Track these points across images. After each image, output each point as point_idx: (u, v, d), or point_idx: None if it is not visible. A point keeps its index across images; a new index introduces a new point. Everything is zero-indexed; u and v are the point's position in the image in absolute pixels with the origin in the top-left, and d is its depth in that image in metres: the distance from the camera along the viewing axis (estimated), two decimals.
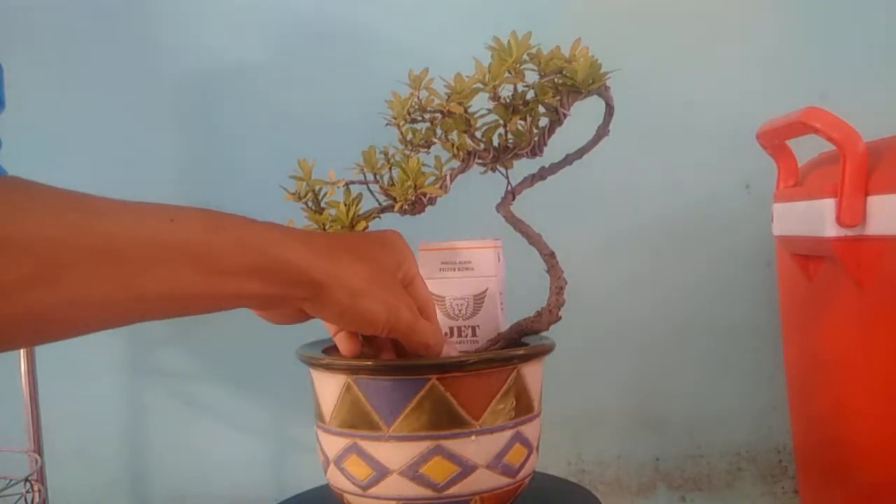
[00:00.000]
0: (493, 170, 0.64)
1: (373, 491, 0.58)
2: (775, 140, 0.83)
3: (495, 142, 0.63)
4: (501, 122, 0.62)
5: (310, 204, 0.63)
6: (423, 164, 0.61)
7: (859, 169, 0.68)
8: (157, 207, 0.41)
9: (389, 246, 0.54)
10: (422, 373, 0.57)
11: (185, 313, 0.42)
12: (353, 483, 0.59)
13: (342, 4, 1.07)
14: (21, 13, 1.06)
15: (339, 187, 0.63)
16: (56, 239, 0.35)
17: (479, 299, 0.66)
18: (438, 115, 0.61)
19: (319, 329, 0.71)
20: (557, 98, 0.60)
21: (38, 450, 0.90)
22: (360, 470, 0.58)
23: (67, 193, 0.37)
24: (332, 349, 0.67)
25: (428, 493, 0.57)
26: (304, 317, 0.53)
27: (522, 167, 0.65)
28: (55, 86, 1.06)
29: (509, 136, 0.62)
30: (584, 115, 0.62)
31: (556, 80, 0.60)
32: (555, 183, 0.65)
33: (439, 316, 0.66)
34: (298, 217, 0.64)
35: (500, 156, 0.63)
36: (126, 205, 0.40)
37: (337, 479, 0.61)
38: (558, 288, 0.63)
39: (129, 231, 0.38)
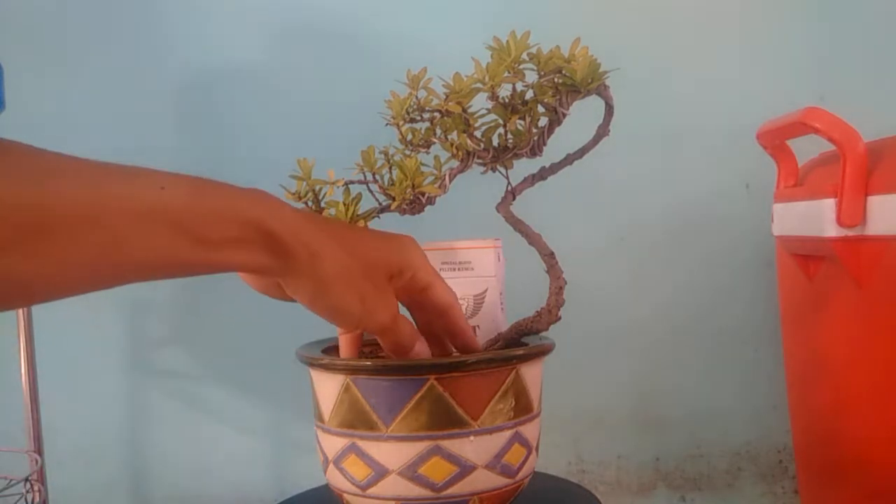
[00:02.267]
0: (493, 170, 0.64)
1: (372, 491, 0.58)
2: (775, 140, 0.83)
3: (495, 142, 0.63)
4: (501, 121, 0.62)
5: (310, 203, 0.63)
6: (423, 164, 0.61)
7: (859, 169, 0.68)
8: (146, 174, 0.40)
9: (395, 248, 0.52)
10: (420, 373, 0.57)
11: (167, 277, 0.42)
12: (353, 483, 0.59)
13: (343, 4, 1.07)
14: (21, 13, 1.06)
15: (338, 187, 0.63)
16: (38, 206, 0.34)
17: (479, 299, 0.66)
18: (437, 115, 0.61)
19: (319, 329, 0.72)
20: (557, 98, 0.60)
21: (39, 450, 0.90)
22: (359, 470, 0.58)
23: (53, 157, 0.36)
24: (331, 349, 0.67)
25: (427, 493, 0.57)
26: (285, 294, 0.51)
27: (523, 167, 0.65)
28: (55, 86, 1.06)
29: (509, 135, 0.62)
30: (584, 114, 0.62)
31: (555, 79, 0.59)
32: (555, 183, 0.65)
33: None
34: None
35: (499, 156, 0.63)
36: (115, 169, 0.39)
37: (336, 479, 0.61)
38: (558, 288, 0.63)
39: (116, 199, 0.37)
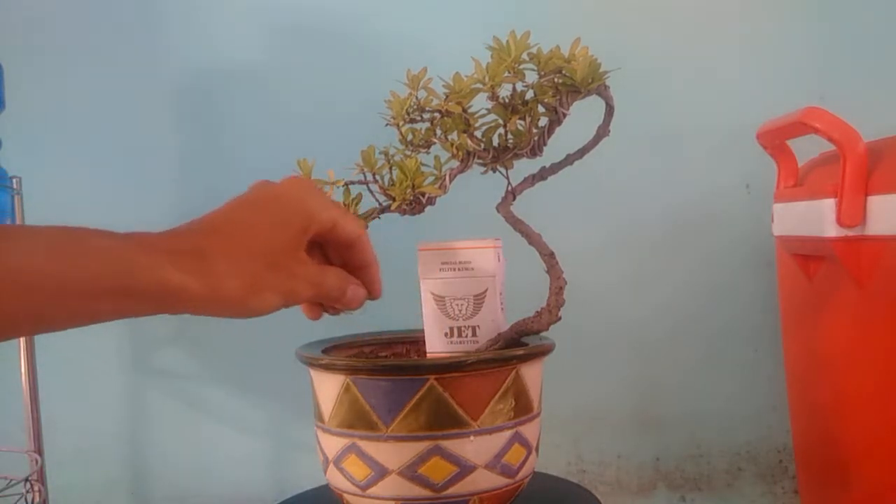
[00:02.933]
0: (493, 170, 0.64)
1: (372, 491, 0.58)
2: (775, 140, 0.83)
3: (495, 142, 0.63)
4: (501, 121, 0.62)
5: None
6: (423, 164, 0.61)
7: (859, 169, 0.68)
8: (32, 232, 0.41)
9: (291, 214, 0.49)
10: (420, 373, 0.57)
11: (63, 328, 0.42)
12: (353, 483, 0.59)
13: (343, 4, 1.07)
14: (21, 13, 1.06)
15: (338, 187, 0.63)
16: None
17: (479, 299, 0.66)
18: (437, 115, 0.61)
19: (318, 330, 0.72)
20: (557, 98, 0.60)
21: (38, 450, 0.90)
22: (359, 470, 0.58)
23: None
24: (331, 349, 0.67)
25: (427, 493, 0.57)
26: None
27: (523, 167, 0.65)
28: (55, 86, 1.06)
29: (509, 135, 0.62)
30: (584, 115, 0.62)
31: (555, 79, 0.59)
32: (555, 183, 0.65)
33: (439, 316, 0.66)
34: None
35: (499, 156, 0.63)
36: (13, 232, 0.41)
37: (336, 479, 0.61)
38: (558, 288, 0.63)
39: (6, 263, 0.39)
